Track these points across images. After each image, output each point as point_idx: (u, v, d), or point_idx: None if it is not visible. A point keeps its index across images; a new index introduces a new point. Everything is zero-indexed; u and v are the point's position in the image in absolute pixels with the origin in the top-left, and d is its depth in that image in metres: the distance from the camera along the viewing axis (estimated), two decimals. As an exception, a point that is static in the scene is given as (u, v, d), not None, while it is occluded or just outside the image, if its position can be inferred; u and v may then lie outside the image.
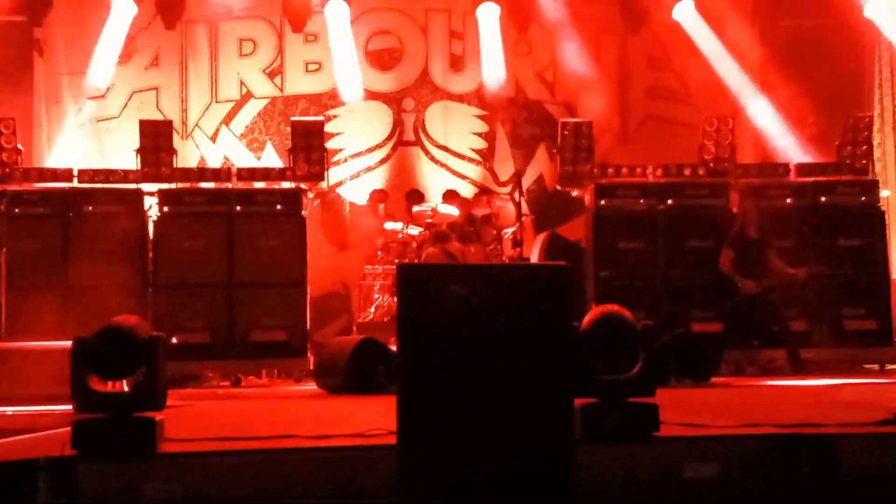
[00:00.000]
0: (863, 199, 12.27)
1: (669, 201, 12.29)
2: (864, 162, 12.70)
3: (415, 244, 13.15)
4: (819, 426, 5.18)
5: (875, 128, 13.90)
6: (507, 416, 4.15)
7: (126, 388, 5.02)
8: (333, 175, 14.23)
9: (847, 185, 12.39)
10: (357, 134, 14.86)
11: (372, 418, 5.71)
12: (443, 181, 14.69)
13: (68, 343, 4.93)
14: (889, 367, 11.93)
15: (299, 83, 14.92)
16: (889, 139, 14.79)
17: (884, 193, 12.85)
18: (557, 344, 4.21)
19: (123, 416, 4.79)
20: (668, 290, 12.07)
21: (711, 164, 12.59)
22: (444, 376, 4.16)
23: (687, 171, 12.62)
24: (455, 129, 14.99)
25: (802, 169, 12.68)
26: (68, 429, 4.81)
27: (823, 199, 12.27)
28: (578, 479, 4.18)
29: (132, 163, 12.36)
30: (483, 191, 14.38)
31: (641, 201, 12.32)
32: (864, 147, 12.74)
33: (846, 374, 11.01)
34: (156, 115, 14.00)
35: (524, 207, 12.49)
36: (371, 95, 14.94)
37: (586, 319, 4.94)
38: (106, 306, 9.50)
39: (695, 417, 5.56)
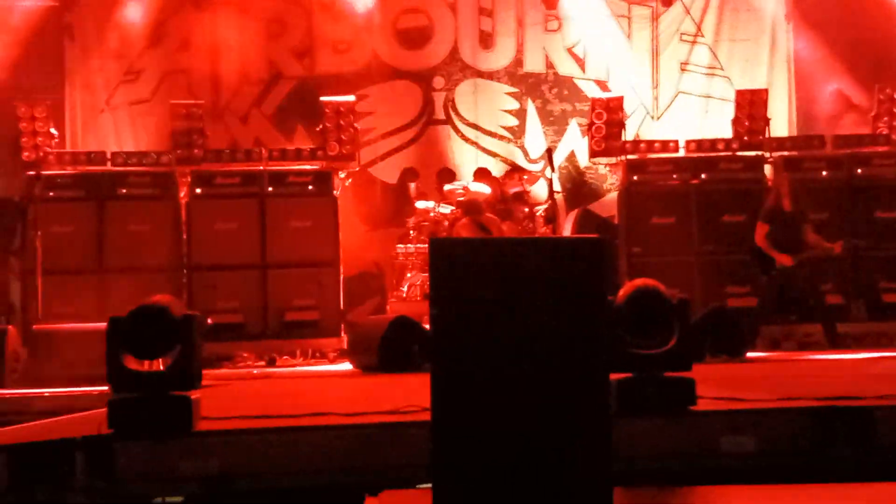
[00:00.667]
0: (900, 170, 12.14)
1: (703, 176, 12.19)
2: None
3: (446, 222, 13.11)
4: (856, 399, 5.13)
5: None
6: (541, 392, 4.12)
7: (161, 368, 5.04)
8: (364, 154, 14.19)
9: (883, 157, 12.23)
10: (387, 113, 14.80)
11: (406, 396, 5.71)
12: (474, 159, 14.61)
13: (103, 324, 4.95)
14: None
15: (329, 63, 14.88)
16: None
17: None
18: (592, 318, 4.17)
19: (159, 395, 4.81)
20: (702, 265, 11.98)
21: (745, 138, 12.45)
22: (478, 352, 4.14)
23: (720, 146, 12.49)
24: (485, 106, 14.89)
25: (838, 141, 12.51)
26: (105, 409, 4.84)
27: (859, 171, 12.12)
28: (615, 453, 4.15)
29: (164, 145, 12.40)
30: (514, 168, 14.31)
31: (674, 176, 12.23)
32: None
33: (883, 347, 10.90)
34: (187, 98, 13.99)
35: (556, 184, 12.42)
36: (401, 74, 14.87)
37: (621, 293, 4.91)
38: (140, 288, 9.55)
39: (731, 391, 5.52)
